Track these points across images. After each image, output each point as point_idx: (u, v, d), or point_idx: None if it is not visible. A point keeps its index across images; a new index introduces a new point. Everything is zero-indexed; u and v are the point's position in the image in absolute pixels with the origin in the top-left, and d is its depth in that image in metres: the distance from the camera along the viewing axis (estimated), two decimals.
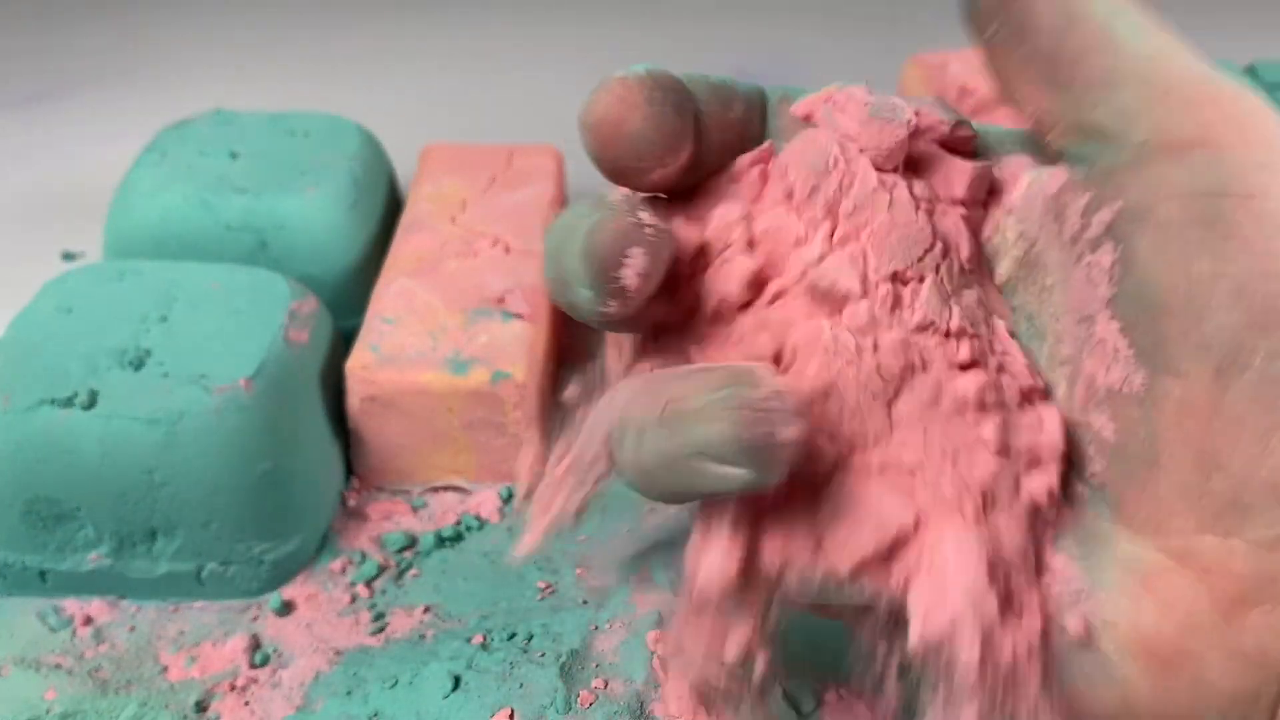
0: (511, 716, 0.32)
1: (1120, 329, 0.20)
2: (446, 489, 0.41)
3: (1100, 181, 0.21)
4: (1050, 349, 0.22)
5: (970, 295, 0.22)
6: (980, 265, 0.23)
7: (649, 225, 0.21)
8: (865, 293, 0.21)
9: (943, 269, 0.22)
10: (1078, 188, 0.21)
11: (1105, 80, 0.20)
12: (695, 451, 0.19)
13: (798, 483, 0.21)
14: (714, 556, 0.21)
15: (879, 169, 0.22)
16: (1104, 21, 0.21)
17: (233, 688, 0.33)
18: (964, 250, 0.22)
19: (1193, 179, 0.19)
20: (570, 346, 0.48)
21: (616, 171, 0.22)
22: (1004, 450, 0.21)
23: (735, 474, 0.19)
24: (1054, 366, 0.22)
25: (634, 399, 0.21)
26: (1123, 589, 0.20)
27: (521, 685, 0.33)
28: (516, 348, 0.40)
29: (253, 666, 0.34)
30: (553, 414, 0.25)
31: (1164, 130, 0.20)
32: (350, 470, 0.41)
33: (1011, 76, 0.22)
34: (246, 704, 0.33)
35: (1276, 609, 0.18)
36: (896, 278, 0.21)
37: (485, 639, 0.35)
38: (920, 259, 0.21)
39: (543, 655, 0.34)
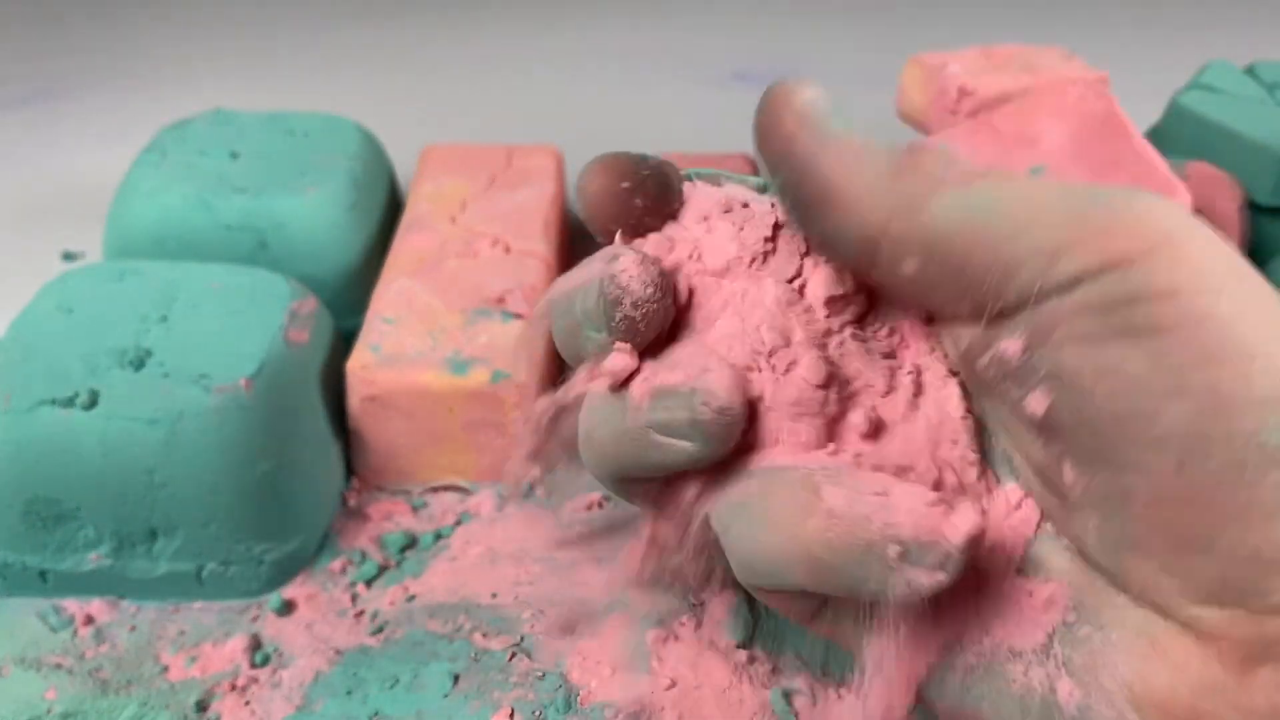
0: (511, 716, 0.32)
1: (1054, 449, 0.21)
2: (446, 489, 0.41)
3: (1019, 326, 0.21)
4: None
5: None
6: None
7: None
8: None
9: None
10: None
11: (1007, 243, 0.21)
12: (651, 427, 0.22)
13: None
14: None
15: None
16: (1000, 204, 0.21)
17: (233, 688, 0.33)
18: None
19: (1106, 294, 0.20)
20: None
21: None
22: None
23: (685, 447, 0.22)
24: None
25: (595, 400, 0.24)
26: (1133, 651, 0.20)
27: (521, 685, 0.33)
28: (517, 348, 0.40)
29: (253, 666, 0.34)
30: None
31: (1072, 264, 0.20)
32: (350, 470, 0.41)
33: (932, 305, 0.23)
34: (247, 704, 0.33)
35: None
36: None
37: (485, 638, 0.35)
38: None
39: (543, 655, 0.34)
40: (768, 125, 0.22)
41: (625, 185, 0.25)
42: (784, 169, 0.22)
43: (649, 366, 0.23)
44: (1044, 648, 0.21)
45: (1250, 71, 0.50)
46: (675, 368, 0.22)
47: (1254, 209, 0.46)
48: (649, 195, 0.25)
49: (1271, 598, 0.19)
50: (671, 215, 0.25)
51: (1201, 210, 0.43)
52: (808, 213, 0.22)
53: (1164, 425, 0.19)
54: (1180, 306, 0.19)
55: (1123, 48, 0.71)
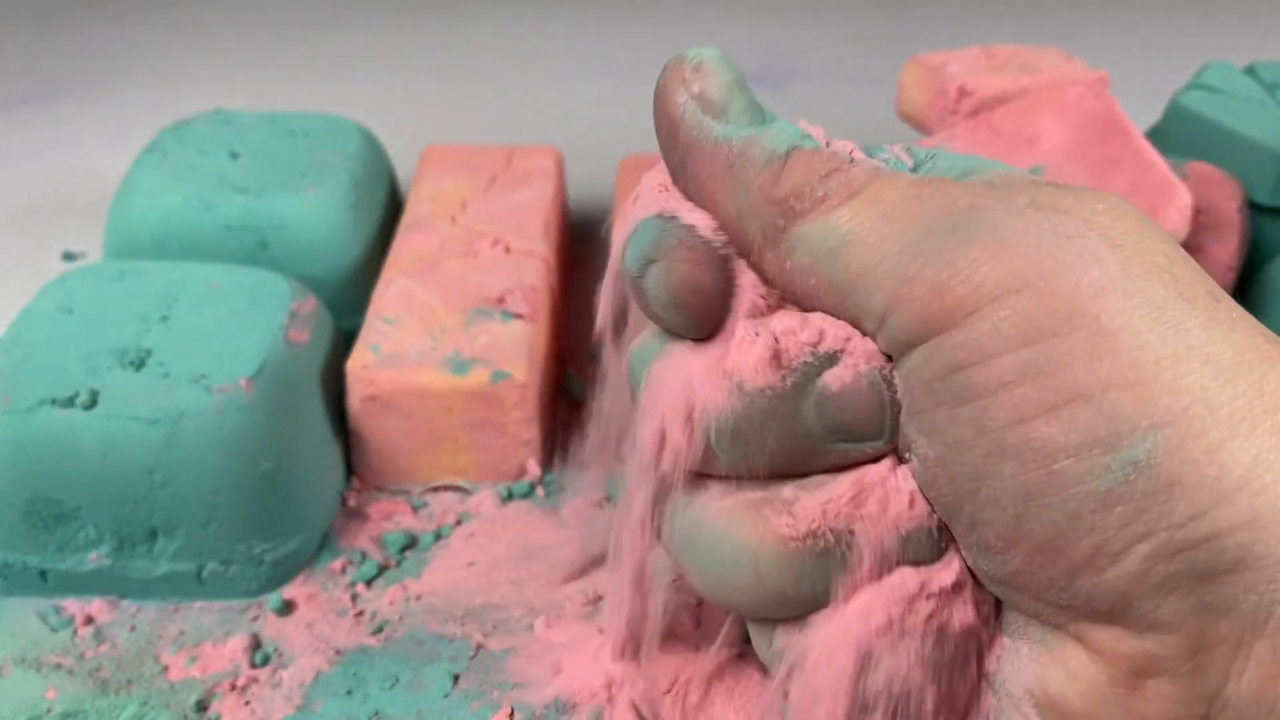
0: (511, 716, 0.32)
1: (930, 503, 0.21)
2: (446, 489, 0.41)
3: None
4: None
5: None
6: None
7: None
8: None
9: None
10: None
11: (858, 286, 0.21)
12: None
13: None
14: None
15: None
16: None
17: (233, 687, 0.33)
18: None
19: (928, 362, 0.20)
20: (570, 346, 0.48)
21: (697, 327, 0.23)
22: None
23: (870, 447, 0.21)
24: None
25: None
26: (1033, 659, 0.21)
27: (521, 685, 0.33)
28: (516, 348, 0.40)
29: (253, 666, 0.34)
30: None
31: (897, 328, 0.20)
32: (350, 470, 0.41)
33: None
34: (247, 704, 0.33)
35: (1170, 680, 0.19)
36: None
37: (485, 638, 0.35)
38: None
39: (543, 655, 0.34)
40: (659, 106, 0.22)
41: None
42: (667, 155, 0.22)
43: None
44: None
45: (1250, 71, 0.50)
46: None
47: (1254, 209, 0.46)
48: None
49: (1146, 618, 0.19)
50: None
51: (1201, 210, 0.43)
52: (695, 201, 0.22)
53: (992, 485, 0.19)
54: (990, 370, 0.19)
55: (1123, 48, 0.71)
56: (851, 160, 0.21)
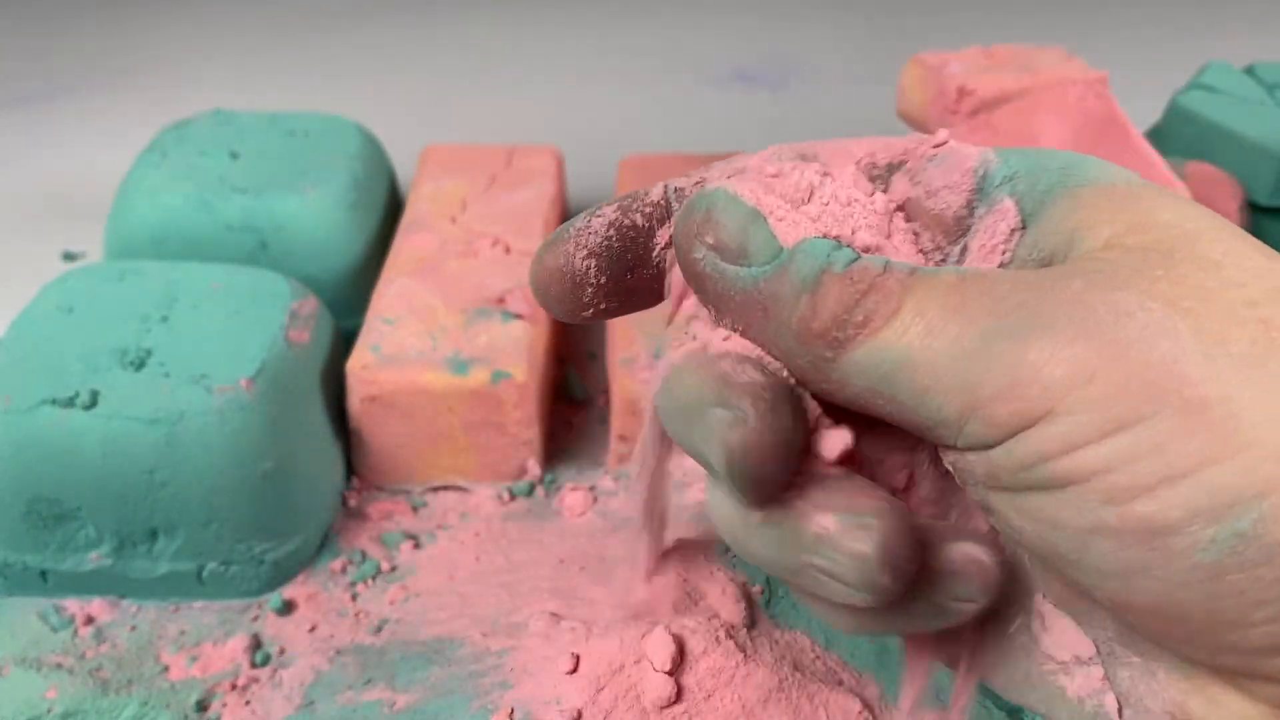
0: (511, 716, 0.32)
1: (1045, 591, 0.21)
2: (446, 489, 0.41)
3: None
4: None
5: None
6: None
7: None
8: None
9: None
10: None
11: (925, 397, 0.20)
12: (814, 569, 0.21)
13: None
14: None
15: None
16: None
17: (233, 687, 0.33)
18: None
19: (1012, 456, 0.19)
20: (570, 346, 0.48)
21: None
22: None
23: (859, 597, 0.20)
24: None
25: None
26: (1171, 683, 0.20)
27: (522, 684, 0.33)
28: (516, 348, 0.40)
29: (253, 666, 0.34)
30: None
31: (976, 432, 0.20)
32: (350, 470, 0.41)
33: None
34: (247, 703, 0.33)
35: None
36: None
37: (485, 638, 0.35)
38: None
39: (542, 654, 0.34)
40: (681, 263, 0.22)
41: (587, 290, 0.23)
42: (701, 299, 0.22)
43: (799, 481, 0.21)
44: (1079, 661, 0.22)
45: (1250, 72, 0.50)
46: (831, 505, 0.21)
47: (1254, 209, 0.46)
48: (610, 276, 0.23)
49: (1277, 673, 0.18)
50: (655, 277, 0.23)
51: None
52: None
53: (1094, 559, 0.19)
54: (1078, 460, 0.18)
55: (1123, 48, 0.71)
56: (885, 268, 0.20)
